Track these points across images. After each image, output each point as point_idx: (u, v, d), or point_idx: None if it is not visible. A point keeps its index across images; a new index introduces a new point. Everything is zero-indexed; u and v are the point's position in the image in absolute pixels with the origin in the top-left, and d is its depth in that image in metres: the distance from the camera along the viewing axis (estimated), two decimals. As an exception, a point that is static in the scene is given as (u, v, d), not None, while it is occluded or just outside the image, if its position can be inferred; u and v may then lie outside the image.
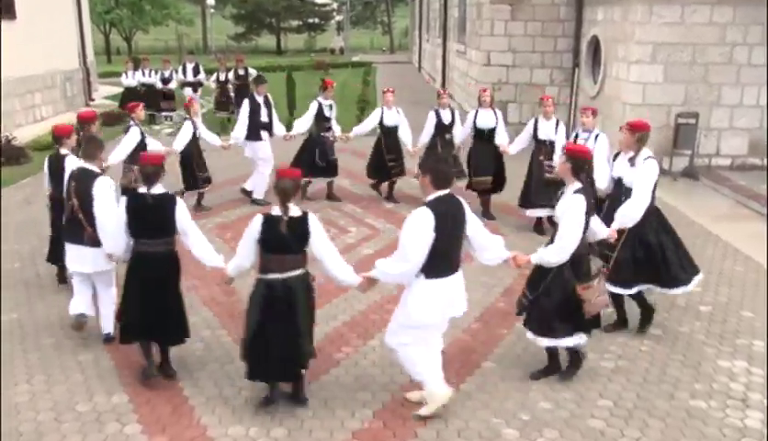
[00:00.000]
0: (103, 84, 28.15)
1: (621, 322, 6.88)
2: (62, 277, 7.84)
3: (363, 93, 23.78)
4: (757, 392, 5.83)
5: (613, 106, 14.05)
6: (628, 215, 6.33)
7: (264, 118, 11.30)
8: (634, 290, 6.64)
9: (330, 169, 11.44)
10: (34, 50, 18.08)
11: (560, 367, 5.96)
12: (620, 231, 6.35)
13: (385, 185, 11.64)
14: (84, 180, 6.32)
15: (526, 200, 9.92)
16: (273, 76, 12.09)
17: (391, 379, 5.77)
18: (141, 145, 9.32)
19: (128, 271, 5.81)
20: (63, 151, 7.34)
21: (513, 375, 5.99)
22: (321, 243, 5.24)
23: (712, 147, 13.58)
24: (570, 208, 5.43)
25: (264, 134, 11.35)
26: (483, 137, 10.41)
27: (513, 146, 10.14)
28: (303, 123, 11.38)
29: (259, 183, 11.47)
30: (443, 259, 5.05)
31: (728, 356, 6.43)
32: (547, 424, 5.36)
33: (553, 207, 5.93)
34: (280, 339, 5.20)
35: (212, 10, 63.39)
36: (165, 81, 19.62)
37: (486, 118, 10.38)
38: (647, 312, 6.83)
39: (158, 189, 5.66)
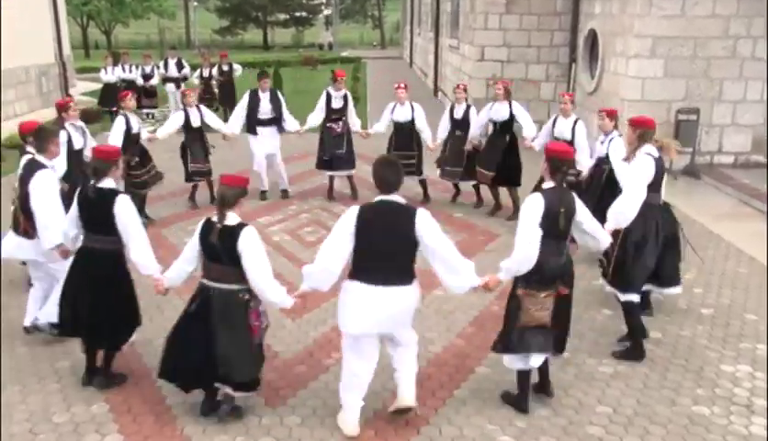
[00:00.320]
0: (81, 79, 28.09)
1: (632, 350, 6.51)
2: None
3: (353, 89, 23.74)
4: (762, 398, 5.83)
5: (611, 102, 14.04)
6: (622, 213, 6.20)
7: (264, 114, 11.43)
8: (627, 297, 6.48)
9: (336, 163, 11.44)
10: (6, 44, 17.93)
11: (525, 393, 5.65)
12: (616, 231, 6.30)
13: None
14: (28, 173, 6.34)
15: None
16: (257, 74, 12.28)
17: (383, 386, 5.75)
18: (129, 134, 9.80)
19: (71, 264, 5.80)
20: (30, 148, 7.29)
21: (509, 380, 5.96)
22: (250, 262, 5.00)
23: (714, 144, 13.63)
24: (527, 213, 5.25)
25: (261, 130, 11.47)
26: (496, 129, 10.57)
27: (536, 141, 10.15)
28: (315, 117, 11.57)
29: (258, 176, 11.72)
30: (369, 264, 4.89)
31: (732, 361, 6.43)
32: (545, 432, 5.35)
33: None
34: (192, 344, 5.13)
35: (196, 3, 63.47)
36: (147, 77, 19.59)
37: (500, 111, 10.47)
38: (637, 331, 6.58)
39: (107, 184, 5.61)
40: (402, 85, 11.33)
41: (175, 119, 11.03)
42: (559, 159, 5.32)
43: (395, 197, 4.95)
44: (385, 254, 4.87)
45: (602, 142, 8.65)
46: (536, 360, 5.46)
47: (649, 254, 6.41)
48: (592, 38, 15.53)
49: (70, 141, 8.75)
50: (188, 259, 5.28)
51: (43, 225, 6.13)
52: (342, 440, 5.24)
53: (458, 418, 5.51)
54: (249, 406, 5.57)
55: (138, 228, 5.62)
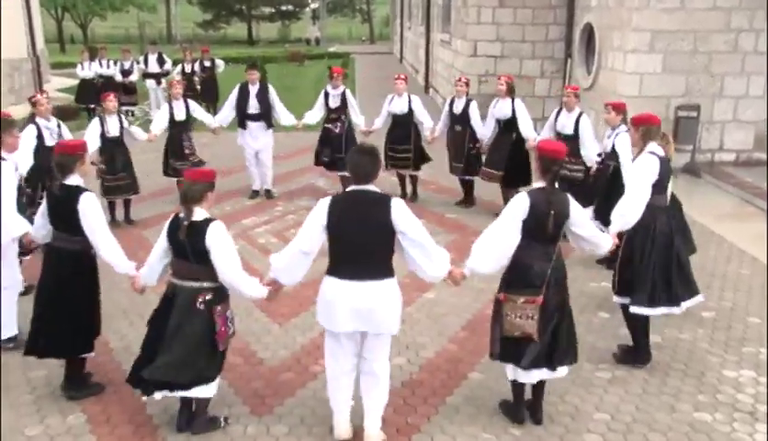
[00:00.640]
0: (56, 75, 27.95)
1: (638, 353, 6.42)
2: None
3: (341, 86, 23.77)
4: (766, 404, 5.84)
5: (607, 98, 14.01)
6: (623, 215, 6.09)
7: (253, 108, 11.48)
8: (657, 311, 6.28)
9: (340, 165, 11.42)
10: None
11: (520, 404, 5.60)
12: (620, 234, 6.24)
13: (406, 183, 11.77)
14: None
15: None
16: (243, 68, 12.21)
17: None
18: (104, 138, 9.92)
19: (42, 267, 5.76)
20: None
21: (503, 386, 5.96)
22: (219, 257, 4.98)
23: (715, 142, 13.68)
24: (507, 209, 5.22)
25: (250, 124, 11.54)
26: (500, 127, 10.62)
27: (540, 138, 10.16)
28: (313, 114, 11.67)
29: (247, 172, 11.85)
30: (344, 258, 4.85)
31: (734, 366, 6.45)
32: (541, 440, 5.35)
33: None
34: (153, 344, 5.15)
35: (177, -5, 63.21)
36: (126, 73, 19.50)
37: (503, 108, 10.51)
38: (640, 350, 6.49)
39: (73, 180, 5.57)
40: (402, 77, 11.41)
41: (163, 113, 11.16)
42: (549, 158, 5.22)
43: (369, 187, 4.89)
44: (361, 246, 4.81)
45: (608, 136, 8.59)
46: (529, 375, 5.35)
47: (657, 258, 6.20)
48: (589, 32, 15.56)
49: (40, 137, 8.75)
50: (158, 256, 5.27)
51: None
52: (330, 450, 5.23)
53: (451, 427, 5.50)
54: (234, 415, 5.55)
55: (103, 226, 5.57)
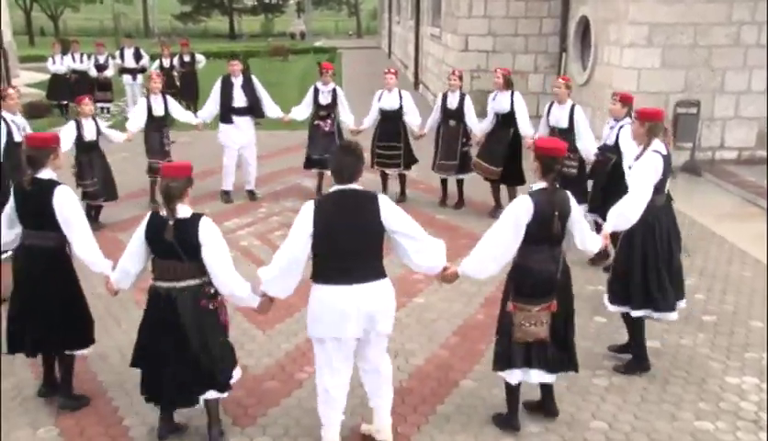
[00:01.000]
0: (25, 69, 27.76)
1: (633, 359, 6.49)
2: None
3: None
4: (769, 411, 5.86)
5: (604, 94, 14.09)
6: (623, 215, 6.04)
7: (239, 101, 11.44)
8: (641, 312, 6.35)
9: (321, 162, 11.47)
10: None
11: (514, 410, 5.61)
12: (614, 234, 6.25)
13: (394, 181, 11.78)
14: None
15: None
16: (224, 64, 12.18)
17: (361, 401, 5.72)
18: (81, 142, 9.93)
19: (14, 271, 5.72)
20: None
21: (496, 395, 5.97)
22: (212, 253, 4.98)
23: (715, 139, 13.73)
24: (508, 212, 5.21)
25: (236, 119, 11.49)
26: (498, 121, 10.64)
27: (537, 135, 10.14)
28: (300, 111, 11.70)
29: (225, 171, 11.75)
30: (335, 263, 4.83)
31: (737, 372, 6.46)
32: (536, 450, 5.36)
33: None
34: (169, 357, 5.06)
35: (155, -14, 62.99)
36: (100, 67, 19.37)
37: (501, 102, 10.55)
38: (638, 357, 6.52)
39: (45, 174, 5.53)
40: (392, 71, 11.43)
41: (140, 109, 11.06)
42: (550, 157, 5.20)
43: (354, 186, 4.89)
44: (351, 248, 4.81)
45: (611, 127, 8.53)
46: (536, 376, 5.40)
47: (657, 260, 6.23)
48: (584, 25, 15.59)
49: (9, 134, 8.71)
50: (134, 258, 5.19)
51: None
52: (316, 462, 5.21)
53: (442, 436, 5.49)
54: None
55: (81, 221, 5.54)
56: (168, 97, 11.30)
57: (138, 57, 19.61)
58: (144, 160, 11.21)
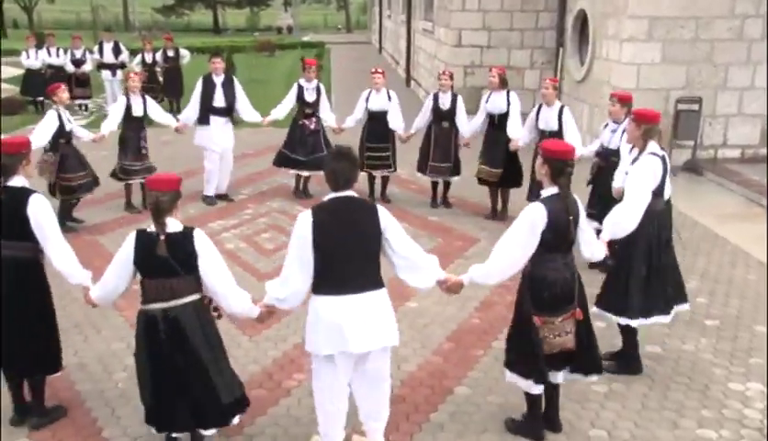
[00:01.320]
0: (-4, 64, 27.64)
1: (623, 358, 6.58)
2: None
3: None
4: (774, 419, 5.87)
5: (602, 91, 14.12)
6: (619, 223, 6.02)
7: (219, 101, 11.41)
8: (649, 321, 6.39)
9: (308, 163, 11.50)
10: None
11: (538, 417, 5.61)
12: (611, 242, 6.23)
13: (377, 182, 11.80)
14: None
15: (528, 197, 10.05)
16: (208, 59, 12.18)
17: (352, 410, 5.71)
18: (61, 132, 9.76)
19: None
20: None
21: (491, 402, 5.98)
22: (210, 266, 4.93)
23: (718, 137, 13.78)
24: (519, 218, 5.18)
25: (215, 119, 11.44)
26: (494, 123, 10.63)
27: (522, 136, 10.20)
28: (281, 109, 11.70)
29: (208, 177, 11.67)
30: (337, 272, 4.79)
31: (741, 378, 6.48)
32: (533, 460, 5.36)
33: None
34: (180, 383, 4.93)
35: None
36: (78, 62, 19.31)
37: (496, 102, 10.54)
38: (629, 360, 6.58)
39: (17, 182, 5.45)
40: (380, 71, 11.45)
41: (118, 108, 10.93)
42: (561, 160, 5.15)
43: (350, 193, 4.89)
44: (353, 257, 4.80)
45: (612, 131, 8.51)
46: (555, 377, 5.44)
47: (655, 267, 6.25)
48: (582, 19, 15.62)
49: None
50: (121, 278, 5.06)
51: None
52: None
53: (436, 446, 5.50)
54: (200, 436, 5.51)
55: (56, 231, 5.46)
56: (148, 98, 11.20)
57: (117, 52, 19.55)
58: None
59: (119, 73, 19.32)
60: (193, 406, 4.98)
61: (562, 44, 16.63)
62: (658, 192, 6.21)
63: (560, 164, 5.13)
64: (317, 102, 11.55)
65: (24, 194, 5.40)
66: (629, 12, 13.24)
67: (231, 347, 6.77)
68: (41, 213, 5.38)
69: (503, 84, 10.55)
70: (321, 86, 11.73)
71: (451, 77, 11.14)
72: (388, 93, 11.32)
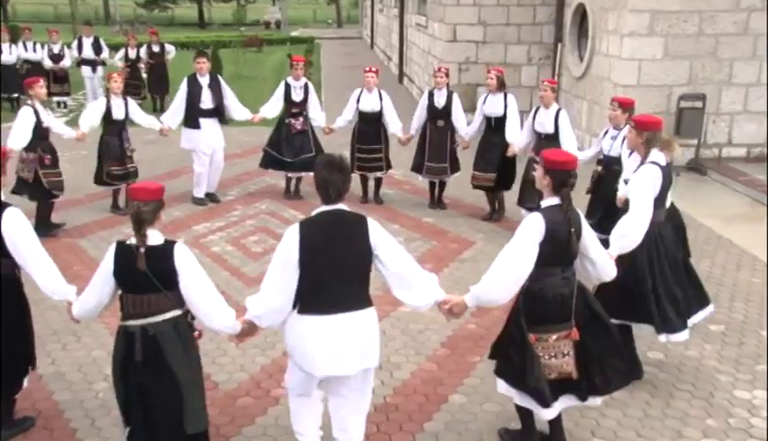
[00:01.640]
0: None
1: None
2: None
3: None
4: (781, 428, 5.88)
5: (602, 88, 14.16)
6: (628, 235, 5.95)
7: (207, 103, 11.41)
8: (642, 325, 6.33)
9: (296, 164, 11.54)
10: None
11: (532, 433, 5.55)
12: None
13: (371, 184, 11.82)
14: None
15: (519, 200, 10.10)
16: (194, 55, 12.18)
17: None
18: (39, 129, 9.65)
19: None
20: None
21: (488, 411, 5.98)
22: (191, 282, 4.79)
23: (722, 135, 13.80)
24: (519, 233, 5.09)
25: (204, 122, 11.44)
26: (491, 126, 10.64)
27: (519, 140, 10.21)
28: (271, 107, 11.72)
29: (198, 179, 11.66)
30: (324, 291, 4.75)
31: (747, 386, 6.48)
32: (531, 471, 5.36)
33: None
34: (157, 401, 4.85)
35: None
36: (56, 58, 19.13)
37: (493, 105, 10.56)
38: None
39: None
40: (373, 70, 11.46)
41: (97, 107, 10.83)
42: (563, 171, 5.07)
43: (341, 206, 4.80)
44: (341, 274, 4.73)
45: (612, 138, 8.44)
46: (551, 412, 5.27)
47: (664, 279, 6.20)
48: (581, 13, 15.63)
49: None
50: (103, 293, 4.96)
51: None
52: (294, 485, 5.19)
53: (431, 456, 5.50)
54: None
55: (34, 247, 5.33)
56: (129, 100, 11.08)
57: (97, 47, 19.40)
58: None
59: (100, 69, 19.25)
60: (162, 426, 4.87)
61: (561, 39, 16.65)
62: (657, 203, 6.15)
63: (563, 175, 5.05)
64: (304, 101, 11.56)
65: None
66: (630, 5, 13.25)
67: (217, 355, 6.82)
68: (17, 229, 5.26)
69: (501, 85, 10.56)
70: (310, 85, 11.75)
71: (447, 74, 11.16)
72: (379, 93, 11.33)
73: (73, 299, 5.26)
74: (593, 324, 5.25)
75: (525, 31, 17.27)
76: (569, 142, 9.32)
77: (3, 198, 5.39)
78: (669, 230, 6.43)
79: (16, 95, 18.70)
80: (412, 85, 22.99)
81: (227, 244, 9.87)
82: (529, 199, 9.36)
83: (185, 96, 11.40)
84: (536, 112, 9.84)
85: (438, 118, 11.01)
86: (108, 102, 10.73)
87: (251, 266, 8.98)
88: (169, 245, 4.80)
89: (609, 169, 8.44)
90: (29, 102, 9.77)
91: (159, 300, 4.76)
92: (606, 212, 7.81)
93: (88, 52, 19.31)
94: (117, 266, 4.78)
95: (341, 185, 4.75)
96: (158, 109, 17.78)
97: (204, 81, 11.39)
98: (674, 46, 13.29)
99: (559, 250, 5.03)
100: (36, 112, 9.68)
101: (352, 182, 4.93)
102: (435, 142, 11.06)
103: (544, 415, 5.24)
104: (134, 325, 4.78)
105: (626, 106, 8.35)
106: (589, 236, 5.19)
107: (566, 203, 5.04)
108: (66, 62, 19.30)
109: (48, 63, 18.94)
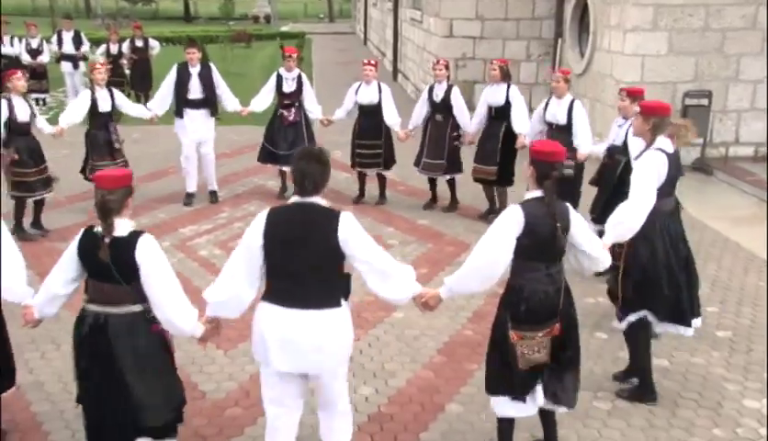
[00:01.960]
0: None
1: (645, 390, 6.44)
2: None
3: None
4: (792, 439, 5.88)
5: (604, 85, 14.18)
6: (622, 223, 5.97)
7: (195, 92, 11.42)
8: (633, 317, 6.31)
9: (290, 157, 11.46)
10: None
11: None
12: (619, 245, 6.18)
13: (370, 185, 11.82)
14: None
15: None
16: (179, 50, 12.12)
17: (313, 431, 5.70)
18: (14, 123, 9.65)
19: None
20: None
21: (486, 420, 5.98)
22: (152, 277, 4.76)
23: (729, 134, 13.84)
24: (496, 224, 5.11)
25: (191, 113, 11.46)
26: (492, 117, 10.70)
27: (528, 132, 10.20)
28: (261, 100, 11.82)
29: (184, 172, 11.74)
30: (284, 282, 4.75)
31: (756, 394, 6.48)
32: (531, 483, 5.37)
33: None
34: (103, 392, 4.87)
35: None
36: (34, 53, 19.04)
37: (495, 94, 10.60)
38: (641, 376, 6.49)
39: None
40: (372, 63, 11.49)
41: (81, 102, 10.77)
42: (547, 162, 5.06)
43: (315, 200, 4.79)
44: (302, 268, 4.72)
45: (619, 126, 8.54)
46: (531, 408, 5.29)
47: (668, 272, 6.17)
48: (582, 7, 15.65)
49: None
50: (64, 279, 4.96)
51: None
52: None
53: (426, 468, 5.50)
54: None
55: (8, 243, 5.34)
56: (115, 90, 11.09)
57: (78, 42, 19.31)
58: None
59: (81, 65, 19.17)
60: (114, 422, 4.89)
61: (561, 35, 16.66)
62: (664, 192, 6.13)
63: (546, 167, 5.03)
64: (297, 93, 11.59)
65: None
66: (633, -1, 13.29)
67: (204, 363, 6.81)
68: None
69: (505, 76, 10.60)
70: (304, 76, 11.77)
71: (447, 67, 11.17)
72: (379, 86, 11.34)
73: (29, 301, 5.22)
74: (567, 334, 5.22)
75: (523, 26, 17.27)
76: (583, 135, 9.32)
77: None
78: (678, 224, 6.41)
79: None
80: (407, 83, 22.99)
81: (215, 248, 9.86)
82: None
83: (173, 83, 11.44)
84: (547, 103, 9.84)
85: (437, 112, 11.03)
86: (93, 94, 10.70)
87: (239, 271, 8.97)
88: (134, 237, 4.78)
89: (612, 158, 8.54)
90: (4, 95, 9.69)
91: (116, 292, 4.78)
92: (608, 202, 7.82)
93: (68, 47, 19.20)
94: (80, 251, 4.82)
95: (318, 177, 4.75)
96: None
97: (194, 70, 11.41)
98: (679, 41, 13.31)
99: (541, 245, 5.02)
100: (10, 106, 9.61)
101: (327, 185, 4.87)
102: (434, 138, 11.08)
103: (526, 411, 5.28)
104: (89, 310, 4.86)
105: (634, 96, 8.37)
106: (579, 228, 5.17)
107: (549, 196, 5.02)
108: (45, 58, 19.19)
109: (26, 58, 18.82)
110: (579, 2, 15.73)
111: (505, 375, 5.19)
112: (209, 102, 11.54)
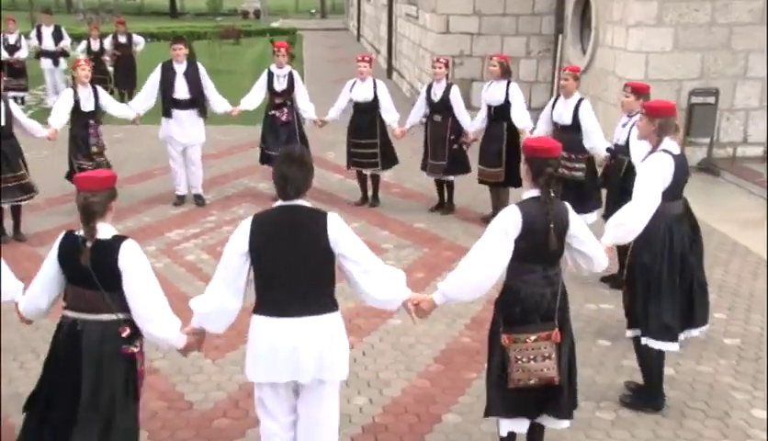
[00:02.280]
0: None
1: (651, 396, 6.41)
2: None
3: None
4: (802, 450, 5.89)
5: (606, 83, 14.21)
6: (623, 225, 5.97)
7: (181, 92, 11.41)
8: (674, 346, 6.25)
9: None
10: None
11: None
12: (624, 247, 6.20)
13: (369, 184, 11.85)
14: None
15: None
16: (165, 47, 12.08)
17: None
18: None
19: None
20: None
21: (485, 431, 5.98)
22: (134, 283, 4.72)
23: (737, 133, 13.85)
24: (493, 226, 5.10)
25: (178, 113, 11.45)
26: (491, 116, 10.70)
27: (536, 132, 10.16)
28: (251, 98, 11.83)
29: (172, 175, 11.77)
30: (275, 292, 4.74)
31: (765, 404, 6.47)
32: (532, 496, 5.37)
33: None
34: (59, 401, 4.82)
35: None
36: (11, 49, 18.95)
37: (495, 92, 10.61)
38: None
39: None
40: (367, 59, 11.53)
41: (65, 101, 10.71)
42: (540, 158, 5.05)
43: (300, 202, 4.78)
44: (295, 274, 4.71)
45: (623, 125, 8.52)
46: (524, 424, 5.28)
47: (674, 280, 6.17)
48: (584, 2, 15.66)
49: None
50: (46, 287, 4.97)
51: None
52: None
53: (423, 481, 5.50)
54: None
55: None
56: (99, 89, 11.05)
57: (58, 37, 19.27)
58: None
59: (62, 61, 19.14)
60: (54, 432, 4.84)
61: (561, 30, 16.68)
62: (670, 194, 6.14)
63: (540, 163, 5.02)
64: (289, 91, 11.59)
65: None
66: (637, -6, 13.29)
67: (191, 372, 6.80)
68: None
69: (505, 73, 10.61)
70: (296, 74, 11.77)
71: (446, 65, 11.19)
72: (374, 82, 11.35)
73: (18, 297, 5.27)
74: (561, 340, 5.18)
75: (523, 22, 17.27)
76: (596, 135, 9.26)
77: None
78: (686, 228, 6.40)
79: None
80: (402, 81, 22.99)
81: (202, 252, 9.85)
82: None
83: (157, 83, 11.43)
84: (554, 101, 9.85)
85: (435, 112, 11.04)
86: (76, 93, 10.65)
87: (227, 276, 8.96)
88: (117, 241, 4.76)
89: (616, 158, 8.54)
90: None
91: (93, 298, 4.75)
92: (617, 203, 7.80)
93: (48, 43, 19.16)
94: (60, 256, 4.81)
95: (300, 181, 4.74)
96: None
97: (180, 68, 11.39)
98: (685, 37, 13.30)
99: (537, 246, 5.00)
100: None
101: (310, 188, 4.85)
102: (434, 139, 11.10)
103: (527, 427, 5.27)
104: (67, 316, 4.84)
105: (640, 91, 8.35)
106: (577, 229, 5.15)
107: (545, 195, 5.01)
108: (23, 54, 19.07)
109: (3, 55, 18.68)
110: (580, -4, 15.76)
111: (503, 397, 5.16)
112: (197, 102, 11.51)
